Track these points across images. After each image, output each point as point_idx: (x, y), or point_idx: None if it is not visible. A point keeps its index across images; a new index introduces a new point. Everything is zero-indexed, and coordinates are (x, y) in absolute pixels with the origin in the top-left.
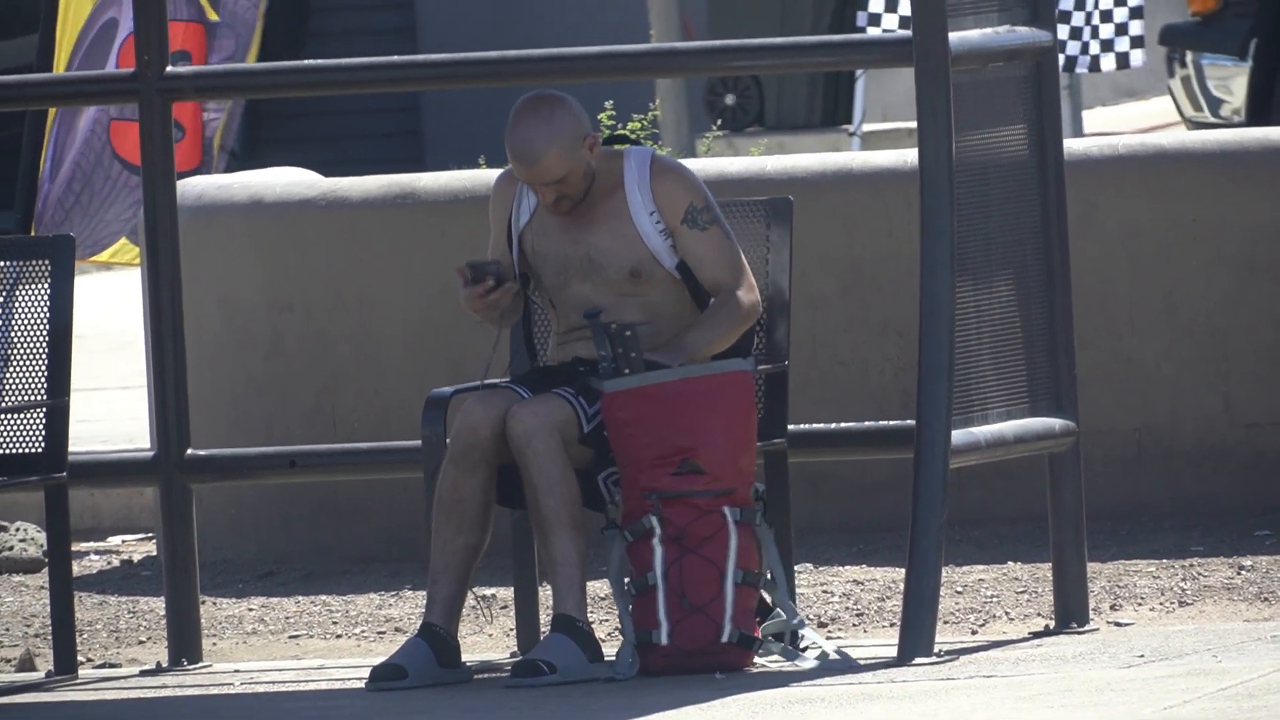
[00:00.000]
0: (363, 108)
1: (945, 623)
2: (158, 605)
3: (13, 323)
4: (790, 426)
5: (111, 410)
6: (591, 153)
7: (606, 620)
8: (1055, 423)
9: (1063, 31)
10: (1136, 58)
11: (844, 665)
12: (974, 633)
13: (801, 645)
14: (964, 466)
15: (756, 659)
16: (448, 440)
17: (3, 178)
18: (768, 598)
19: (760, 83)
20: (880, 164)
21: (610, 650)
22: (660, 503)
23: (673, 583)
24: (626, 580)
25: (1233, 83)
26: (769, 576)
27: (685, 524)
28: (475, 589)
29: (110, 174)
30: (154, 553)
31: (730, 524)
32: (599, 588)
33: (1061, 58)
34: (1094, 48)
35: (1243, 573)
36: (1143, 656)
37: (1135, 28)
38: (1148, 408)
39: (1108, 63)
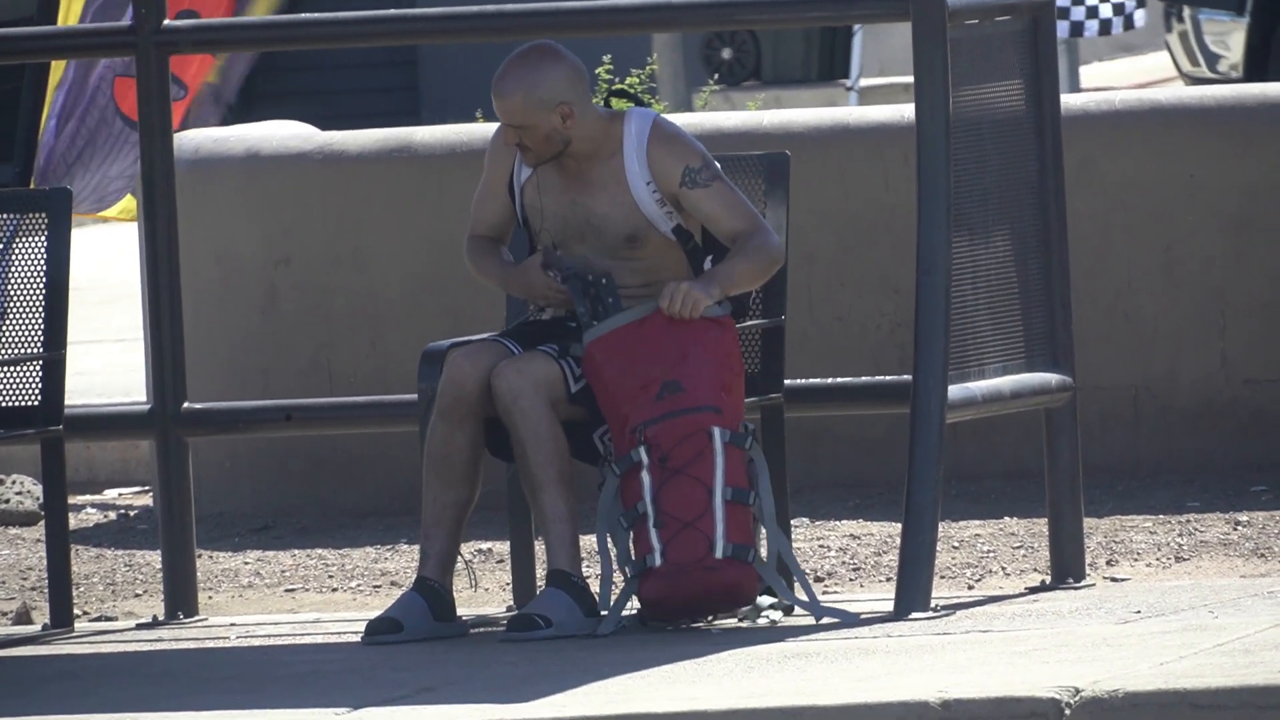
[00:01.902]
0: (360, 62)
1: (941, 578)
2: (154, 558)
3: (9, 275)
4: (787, 382)
5: (108, 363)
6: (564, 122)
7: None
8: (1052, 378)
9: None
10: (1139, 17)
11: (839, 617)
12: (970, 588)
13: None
14: (960, 422)
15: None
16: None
17: (1, 131)
18: (763, 552)
19: (757, 37)
20: (877, 119)
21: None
22: (645, 430)
23: (662, 505)
24: (621, 520)
25: (1230, 38)
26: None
27: (671, 447)
28: (468, 544)
29: (114, 130)
30: (150, 506)
31: (718, 444)
32: (594, 542)
33: (1066, 24)
34: (1104, 11)
35: (1239, 528)
36: (1139, 612)
37: None
38: (1145, 364)
39: (1117, 27)
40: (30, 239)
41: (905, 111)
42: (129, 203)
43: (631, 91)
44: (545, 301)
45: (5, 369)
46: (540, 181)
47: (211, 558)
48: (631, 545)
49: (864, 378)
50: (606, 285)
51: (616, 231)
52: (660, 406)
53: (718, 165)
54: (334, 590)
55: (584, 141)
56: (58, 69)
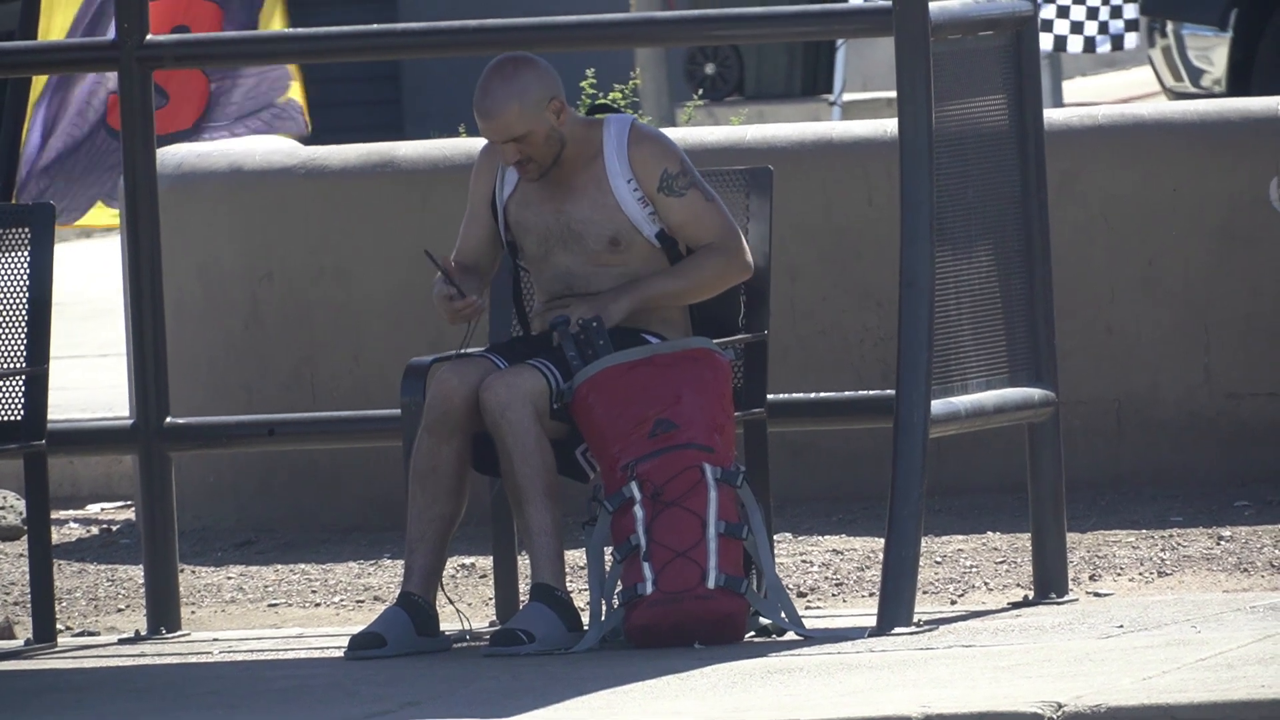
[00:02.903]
0: (343, 76)
1: (924, 593)
2: (136, 573)
3: None
4: (770, 396)
5: (91, 378)
6: (558, 118)
7: (586, 589)
8: (1035, 393)
9: (1050, 10)
10: (1130, 40)
11: (822, 636)
12: (953, 603)
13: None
14: (943, 436)
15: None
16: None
17: None
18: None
19: (740, 52)
20: (860, 134)
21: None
22: (637, 466)
23: (655, 535)
24: (609, 549)
25: (1213, 53)
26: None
27: (664, 481)
28: (451, 559)
29: (99, 146)
30: (133, 521)
31: (710, 480)
32: (578, 557)
33: (1051, 37)
34: (1089, 28)
35: (1222, 543)
36: (1122, 627)
37: (1130, 11)
38: (1128, 378)
39: (1103, 45)
40: (12, 254)
41: (888, 126)
42: (98, 210)
43: (614, 106)
44: (449, 315)
45: None
46: (523, 195)
47: (194, 573)
48: (621, 579)
49: (847, 392)
50: (596, 328)
51: (599, 235)
52: (653, 444)
53: (697, 173)
54: (317, 605)
55: (570, 143)
56: (38, 83)
